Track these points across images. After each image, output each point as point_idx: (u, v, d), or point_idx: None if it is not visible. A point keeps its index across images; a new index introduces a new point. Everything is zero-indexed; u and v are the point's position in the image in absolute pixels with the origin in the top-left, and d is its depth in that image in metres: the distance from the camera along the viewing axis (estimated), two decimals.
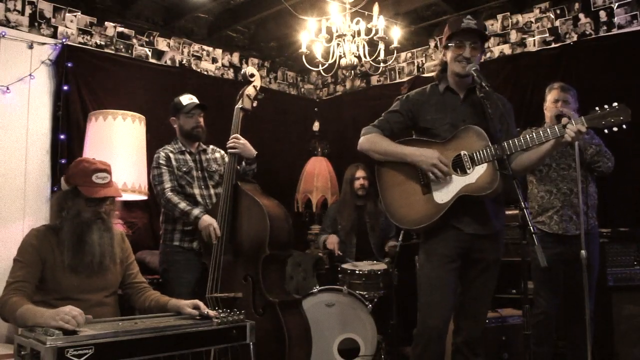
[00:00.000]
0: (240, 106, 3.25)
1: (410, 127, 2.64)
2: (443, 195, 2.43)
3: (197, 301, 2.23)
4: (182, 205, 3.12)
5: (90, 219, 2.31)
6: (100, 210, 2.33)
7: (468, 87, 2.55)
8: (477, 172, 2.38)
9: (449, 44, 2.51)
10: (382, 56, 3.85)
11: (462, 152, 2.43)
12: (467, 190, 2.39)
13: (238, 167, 3.21)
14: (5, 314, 2.11)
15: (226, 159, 3.44)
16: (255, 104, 3.29)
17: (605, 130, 2.26)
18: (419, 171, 2.50)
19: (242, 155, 3.21)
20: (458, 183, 2.41)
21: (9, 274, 2.21)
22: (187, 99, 3.33)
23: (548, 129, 2.30)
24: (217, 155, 3.48)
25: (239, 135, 3.21)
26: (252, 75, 3.30)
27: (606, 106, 2.24)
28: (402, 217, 2.54)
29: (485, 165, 2.37)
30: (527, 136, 2.32)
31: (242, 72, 3.37)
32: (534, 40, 4.52)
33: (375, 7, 3.75)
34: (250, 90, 3.27)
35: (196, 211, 3.09)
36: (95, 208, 2.32)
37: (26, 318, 1.95)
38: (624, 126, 2.24)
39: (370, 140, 2.60)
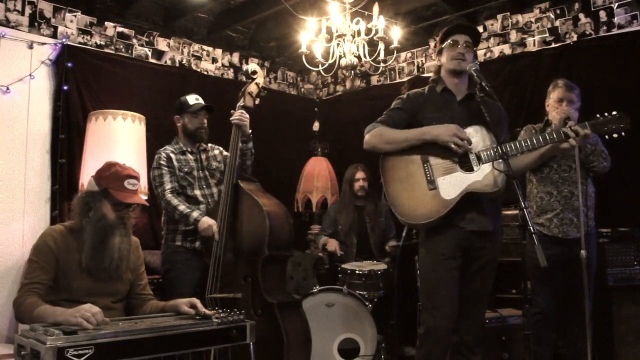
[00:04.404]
0: (242, 104, 3.20)
1: (412, 124, 2.62)
2: (450, 191, 2.43)
3: (193, 299, 2.23)
4: (182, 207, 3.11)
5: (114, 223, 2.30)
6: (124, 215, 2.34)
7: (466, 92, 2.59)
8: (484, 171, 2.41)
9: (442, 46, 2.60)
10: (382, 56, 3.85)
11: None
12: (474, 188, 2.41)
13: (240, 144, 3.18)
14: (22, 315, 2.11)
15: (224, 154, 3.43)
16: (257, 102, 3.25)
17: (606, 137, 2.38)
18: (424, 165, 2.50)
19: (243, 131, 3.18)
20: (465, 180, 2.43)
21: (23, 274, 2.20)
22: (193, 99, 3.31)
23: (554, 133, 2.36)
24: (217, 152, 3.47)
25: (244, 111, 3.19)
26: (254, 73, 3.24)
27: (606, 114, 2.34)
28: (408, 212, 2.51)
29: (490, 165, 2.42)
30: (534, 138, 2.38)
31: (244, 69, 3.33)
32: (534, 40, 4.52)
33: (375, 7, 3.75)
34: (252, 88, 3.22)
35: (195, 214, 3.09)
36: (120, 212, 2.32)
37: (45, 317, 1.95)
38: (623, 134, 2.34)
39: (377, 133, 2.58)
